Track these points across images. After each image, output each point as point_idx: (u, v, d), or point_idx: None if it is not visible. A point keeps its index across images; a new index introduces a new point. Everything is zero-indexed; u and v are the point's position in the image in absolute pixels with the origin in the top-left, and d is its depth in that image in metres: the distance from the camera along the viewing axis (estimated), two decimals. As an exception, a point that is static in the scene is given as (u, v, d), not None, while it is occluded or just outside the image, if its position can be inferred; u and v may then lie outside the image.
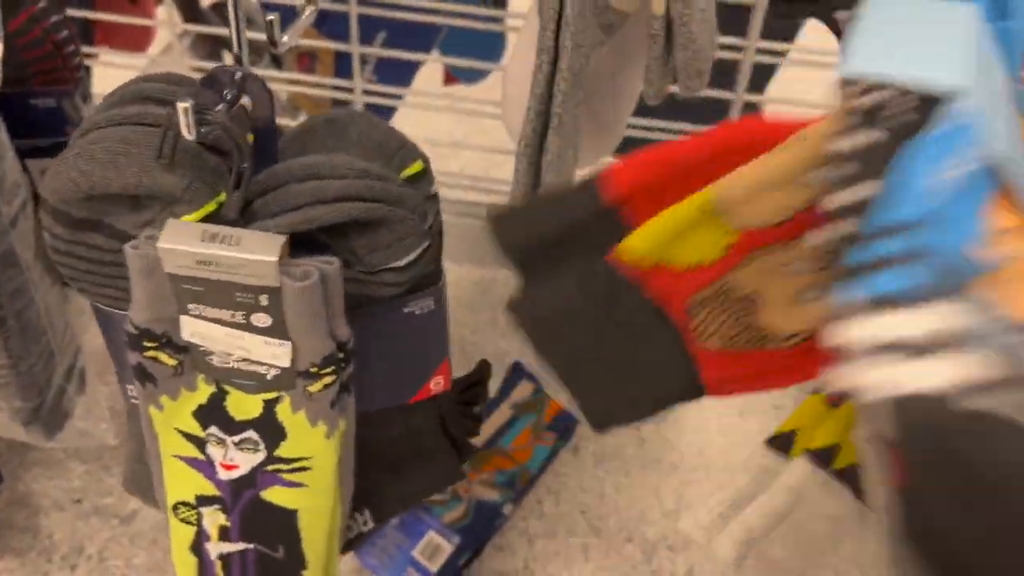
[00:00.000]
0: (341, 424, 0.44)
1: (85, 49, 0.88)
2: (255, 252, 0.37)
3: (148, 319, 0.40)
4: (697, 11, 0.46)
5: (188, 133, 0.36)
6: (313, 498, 0.46)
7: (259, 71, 0.93)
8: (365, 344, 0.44)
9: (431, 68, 1.09)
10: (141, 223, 0.40)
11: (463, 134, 1.29)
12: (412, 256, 0.40)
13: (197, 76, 0.42)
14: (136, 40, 0.96)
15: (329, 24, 0.81)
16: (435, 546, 0.79)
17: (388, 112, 0.87)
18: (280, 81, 0.91)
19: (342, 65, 0.82)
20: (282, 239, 0.37)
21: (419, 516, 0.80)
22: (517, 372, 0.95)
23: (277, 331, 0.39)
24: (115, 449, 0.84)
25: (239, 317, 0.39)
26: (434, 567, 0.77)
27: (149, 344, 0.41)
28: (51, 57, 0.54)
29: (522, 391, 0.93)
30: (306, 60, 0.84)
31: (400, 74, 0.83)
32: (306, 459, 0.44)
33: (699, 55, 0.47)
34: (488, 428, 0.89)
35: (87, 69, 0.96)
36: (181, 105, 0.36)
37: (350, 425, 0.45)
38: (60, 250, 0.42)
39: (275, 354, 0.40)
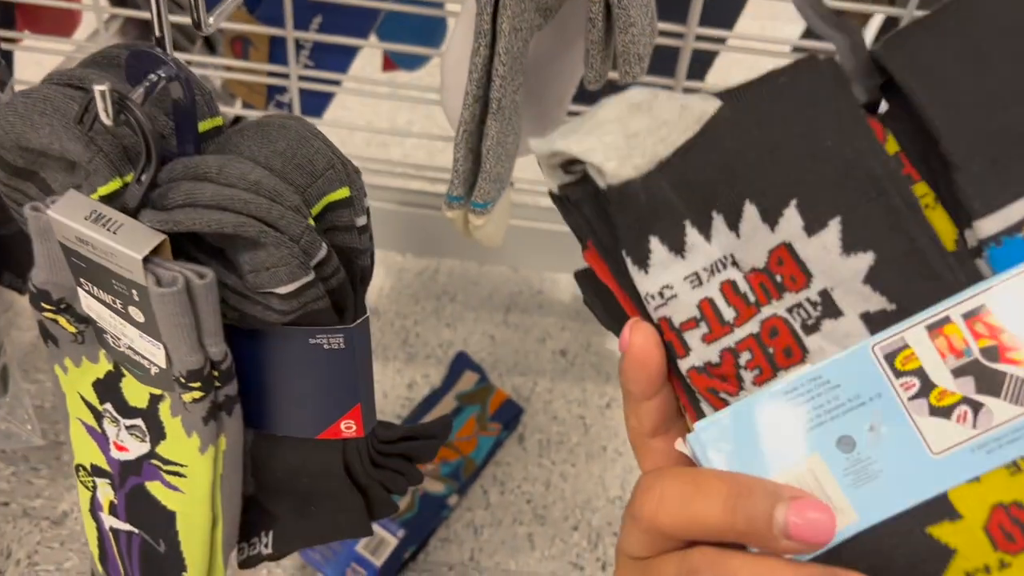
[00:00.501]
0: (221, 443, 0.42)
1: (4, 33, 0.84)
2: (126, 244, 0.35)
3: (45, 281, 0.39)
4: (634, -4, 0.46)
5: (106, 117, 0.34)
6: (189, 505, 0.44)
7: (192, 56, 0.90)
8: (268, 366, 0.42)
9: (370, 54, 1.07)
10: (69, 185, 0.39)
11: (405, 121, 1.27)
12: (292, 287, 0.38)
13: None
14: (61, 24, 0.93)
15: (263, 8, 0.78)
16: (379, 540, 0.77)
17: (325, 98, 0.85)
18: (213, 67, 0.88)
19: (277, 50, 0.80)
20: (158, 237, 0.36)
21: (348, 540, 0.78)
22: (461, 362, 0.94)
23: (150, 329, 0.38)
24: (42, 450, 0.81)
25: (119, 305, 0.38)
26: (379, 561, 0.76)
27: (47, 307, 0.40)
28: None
29: (466, 382, 0.92)
30: (240, 45, 0.82)
31: (337, 60, 0.81)
32: (182, 466, 0.43)
33: (638, 39, 0.47)
34: (432, 419, 0.88)
35: (7, 54, 0.92)
36: (98, 88, 0.34)
37: (232, 445, 0.43)
38: (2, 193, 0.42)
39: (151, 352, 0.39)
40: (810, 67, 0.27)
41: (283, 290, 0.38)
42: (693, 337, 0.27)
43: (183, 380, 0.39)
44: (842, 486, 0.25)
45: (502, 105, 0.48)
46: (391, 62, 0.99)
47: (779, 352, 0.27)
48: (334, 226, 0.41)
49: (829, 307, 0.26)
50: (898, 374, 0.26)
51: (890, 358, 0.26)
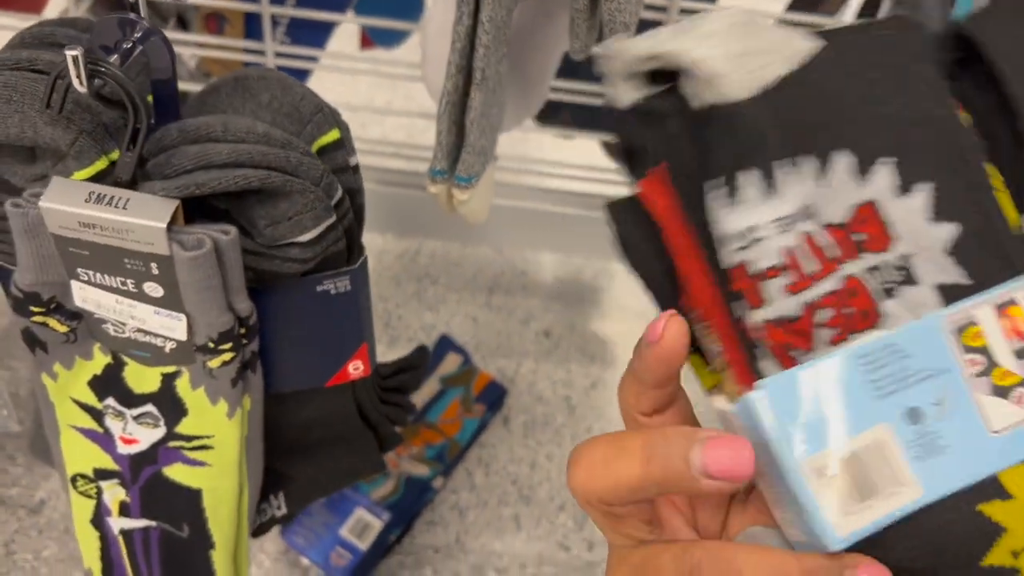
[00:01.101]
0: (245, 403, 0.41)
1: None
2: (143, 217, 0.34)
3: (34, 282, 0.37)
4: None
5: (79, 85, 0.33)
6: (217, 478, 0.43)
7: (173, 34, 0.88)
8: (275, 321, 0.41)
9: (348, 33, 1.05)
10: (33, 176, 0.37)
11: (385, 100, 1.26)
12: (316, 232, 0.37)
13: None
14: (30, 1, 0.90)
15: (237, -16, 0.76)
16: (364, 524, 0.77)
17: (303, 75, 0.84)
18: (187, 44, 0.86)
19: (252, 26, 0.78)
20: (173, 204, 0.35)
21: (346, 494, 0.77)
22: (445, 344, 0.93)
23: (171, 302, 0.37)
24: (19, 438, 0.80)
25: (130, 285, 0.37)
26: (364, 545, 0.75)
27: (36, 309, 0.38)
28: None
29: (449, 364, 0.91)
30: (214, 22, 0.80)
31: (314, 35, 0.80)
32: (208, 438, 0.42)
33: (624, 7, 0.46)
34: (416, 402, 0.87)
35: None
36: (70, 53, 0.32)
37: (256, 404, 0.42)
38: None
39: (169, 326, 0.38)
40: (908, 27, 0.26)
41: (306, 237, 0.38)
42: (774, 287, 0.25)
43: (212, 344, 0.38)
44: (908, 459, 0.24)
45: (486, 75, 0.47)
46: (369, 40, 0.97)
47: (857, 314, 0.26)
48: (330, 169, 0.40)
49: (908, 273, 0.26)
50: (966, 350, 0.25)
51: (959, 333, 0.25)
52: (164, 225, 0.34)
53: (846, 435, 0.24)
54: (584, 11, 0.47)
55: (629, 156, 0.28)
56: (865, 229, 0.26)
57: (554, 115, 0.89)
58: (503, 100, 0.53)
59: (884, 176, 0.25)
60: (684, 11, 0.73)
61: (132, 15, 0.35)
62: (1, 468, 0.79)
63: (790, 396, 0.24)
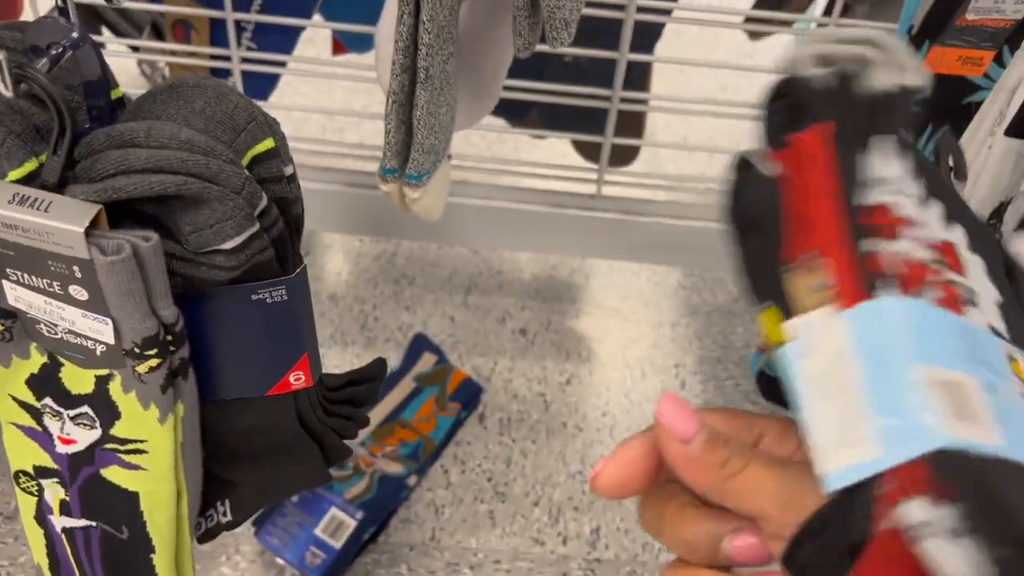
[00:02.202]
0: (178, 409, 0.42)
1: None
2: (62, 220, 0.34)
3: None
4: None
5: (4, 88, 0.34)
6: (153, 482, 0.43)
7: (137, 41, 0.89)
8: (212, 328, 0.42)
9: (321, 40, 1.06)
10: None
11: (361, 105, 1.26)
12: (239, 240, 0.37)
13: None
14: (7, 6, 0.91)
15: (204, -10, 0.77)
16: (338, 522, 0.77)
17: (271, 80, 0.85)
18: (154, 52, 0.87)
19: (218, 33, 0.79)
20: (95, 208, 0.35)
21: (320, 493, 0.78)
22: (419, 344, 0.94)
23: (95, 306, 0.37)
24: (-4, 443, 0.80)
25: (56, 287, 0.37)
26: (338, 543, 0.76)
27: None
28: None
29: (424, 363, 0.92)
30: (181, 29, 0.81)
31: (280, 41, 0.80)
32: (141, 442, 0.42)
33: (564, 4, 0.46)
34: (391, 401, 0.88)
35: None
36: (-6, 58, 0.33)
37: (190, 410, 0.43)
38: None
39: (97, 329, 0.38)
40: None
41: (230, 244, 0.38)
42: (905, 230, 0.28)
43: (138, 350, 0.38)
44: (990, 413, 0.26)
45: (430, 74, 0.48)
46: (341, 45, 0.98)
47: (949, 297, 0.29)
48: (263, 178, 0.40)
49: (973, 301, 0.29)
50: (1012, 372, 0.29)
51: (1009, 360, 0.29)
52: (82, 229, 0.34)
53: (939, 365, 0.26)
54: (524, 8, 0.47)
55: (788, 116, 0.31)
56: (947, 256, 0.29)
57: (522, 115, 0.90)
58: (453, 99, 0.53)
59: (960, 233, 0.30)
60: (642, 9, 0.74)
61: (62, 19, 0.36)
62: (-22, 475, 0.80)
63: (895, 318, 0.27)
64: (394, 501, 0.80)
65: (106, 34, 1.04)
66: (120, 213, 0.37)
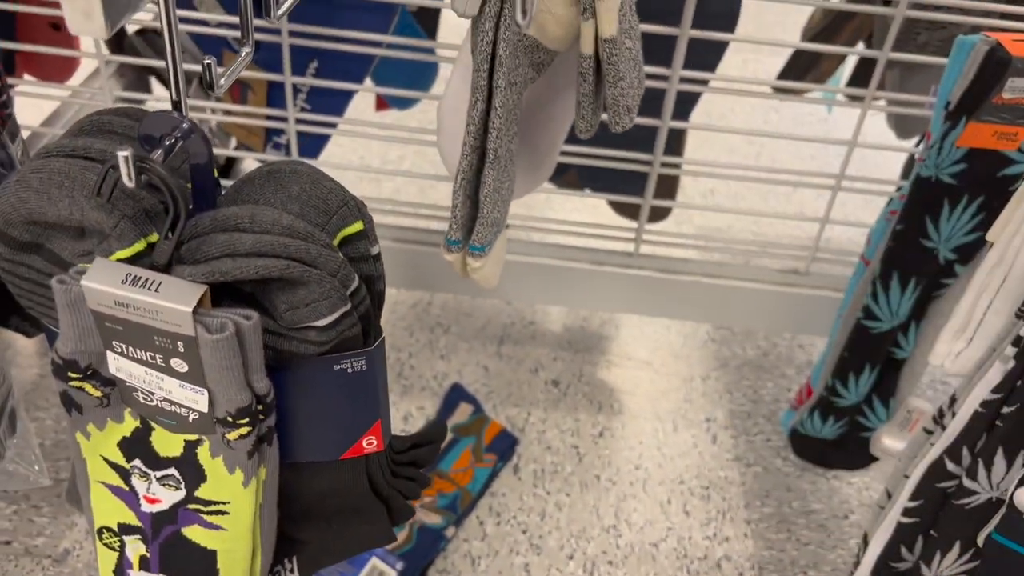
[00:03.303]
0: (261, 473, 0.44)
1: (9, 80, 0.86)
2: (172, 300, 0.37)
3: (73, 351, 0.41)
4: (624, 50, 0.48)
5: (128, 180, 0.36)
6: (232, 541, 0.46)
7: (191, 100, 0.92)
8: (294, 397, 0.44)
9: (364, 94, 1.09)
10: (80, 252, 0.41)
11: (397, 156, 1.30)
12: (332, 318, 0.40)
13: (145, 106, 0.43)
14: (60, 69, 0.95)
15: (261, 53, 0.81)
16: (379, 572, 0.79)
17: (322, 139, 0.88)
18: (212, 110, 0.90)
19: (275, 94, 0.82)
20: (201, 288, 0.38)
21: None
22: (456, 394, 0.96)
23: (194, 377, 0.40)
24: (43, 488, 0.82)
25: (159, 360, 0.40)
26: (378, 594, 0.77)
27: (73, 375, 0.42)
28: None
29: (461, 413, 0.94)
30: (238, 90, 0.84)
31: (333, 102, 0.84)
32: (224, 503, 0.44)
33: (627, 92, 0.49)
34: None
35: (10, 99, 0.94)
36: (121, 154, 0.36)
37: (271, 474, 0.45)
38: (4, 268, 0.43)
39: (193, 399, 0.41)
40: None
41: (323, 322, 0.40)
42: None
43: (231, 419, 0.41)
44: None
45: (498, 155, 0.51)
46: (383, 102, 1.01)
47: None
48: (351, 257, 0.43)
49: None
50: None
51: None
52: (190, 309, 0.37)
53: None
54: (589, 95, 0.50)
55: None
56: None
57: (561, 173, 0.93)
58: (513, 173, 0.56)
59: None
60: (684, 80, 0.77)
61: (176, 113, 0.39)
62: (27, 519, 0.82)
63: None
64: (432, 552, 0.82)
65: (155, 89, 1.08)
66: (220, 291, 0.40)
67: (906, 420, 0.80)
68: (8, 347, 0.96)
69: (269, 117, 0.83)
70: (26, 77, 0.93)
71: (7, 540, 0.80)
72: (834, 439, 0.86)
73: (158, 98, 1.04)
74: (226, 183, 0.46)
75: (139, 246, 0.40)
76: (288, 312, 0.40)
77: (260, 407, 0.42)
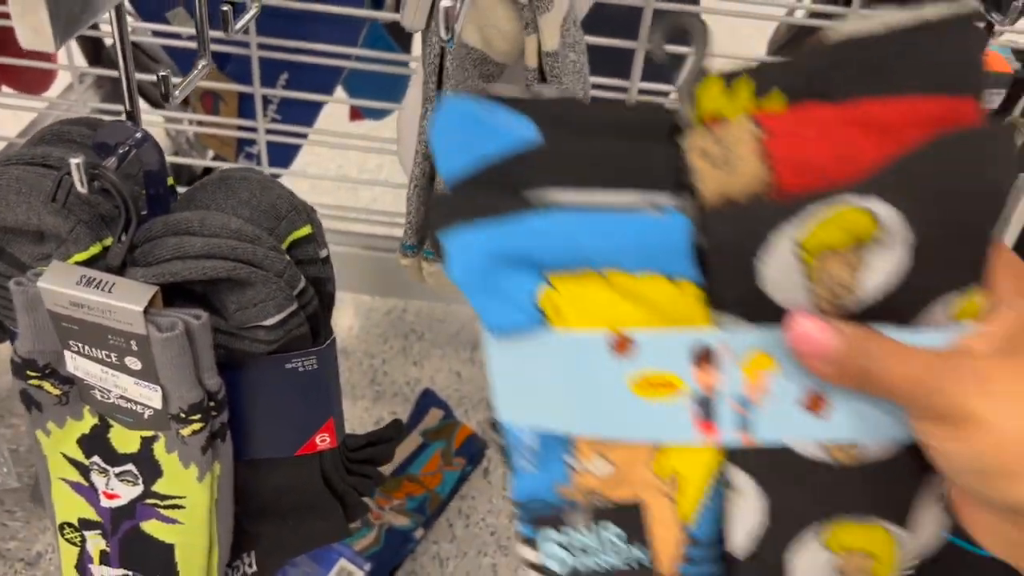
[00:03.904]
0: (215, 468, 0.46)
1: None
2: (124, 300, 0.39)
3: (31, 350, 0.43)
4: (568, 63, 0.50)
5: (80, 186, 0.38)
6: (188, 535, 0.47)
7: (167, 112, 0.94)
8: (247, 395, 0.46)
9: (338, 104, 1.11)
10: (39, 255, 0.43)
11: (375, 166, 1.32)
12: (279, 317, 0.42)
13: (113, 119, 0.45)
14: (36, 81, 0.96)
15: (233, 65, 0.83)
16: (347, 573, 0.80)
17: (293, 149, 0.90)
18: (188, 121, 0.92)
19: (246, 105, 0.84)
20: (152, 289, 0.40)
21: (329, 544, 0.81)
22: (427, 399, 0.97)
23: (147, 375, 0.42)
24: (17, 492, 0.83)
25: (113, 358, 0.42)
26: (346, 594, 0.79)
27: (32, 374, 0.44)
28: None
29: (432, 418, 0.95)
30: (210, 100, 0.86)
31: (304, 113, 0.85)
32: (180, 498, 0.46)
33: (574, 88, 0.51)
34: (398, 455, 0.91)
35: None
36: (73, 161, 0.38)
37: (226, 470, 0.47)
38: None
39: (147, 396, 0.42)
40: None
41: (270, 321, 0.42)
42: None
43: (183, 415, 0.43)
44: None
45: (449, 162, 0.53)
46: (358, 112, 1.03)
47: None
48: (300, 260, 0.45)
49: None
50: None
51: None
52: (141, 309, 0.39)
53: None
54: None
55: None
56: None
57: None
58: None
59: None
60: (643, 92, 0.79)
61: (130, 123, 0.41)
62: (0, 522, 0.83)
63: None
64: (400, 554, 0.83)
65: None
66: (172, 292, 0.42)
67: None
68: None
69: (240, 128, 0.85)
70: (3, 89, 0.95)
71: (-19, 543, 0.81)
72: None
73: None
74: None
75: (95, 249, 0.42)
76: (237, 312, 0.42)
77: (212, 403, 0.43)
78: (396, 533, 0.84)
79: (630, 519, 0.38)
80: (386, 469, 0.90)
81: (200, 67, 0.46)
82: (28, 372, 0.44)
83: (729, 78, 0.33)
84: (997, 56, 0.65)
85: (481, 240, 0.34)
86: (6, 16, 0.82)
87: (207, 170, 1.12)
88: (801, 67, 0.32)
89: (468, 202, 0.35)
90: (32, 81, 0.95)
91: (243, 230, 0.41)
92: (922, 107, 0.31)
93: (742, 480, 0.36)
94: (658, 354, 0.35)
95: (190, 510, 0.47)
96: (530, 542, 0.40)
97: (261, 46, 0.77)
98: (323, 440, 0.49)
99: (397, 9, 0.92)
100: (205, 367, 0.42)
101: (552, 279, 0.35)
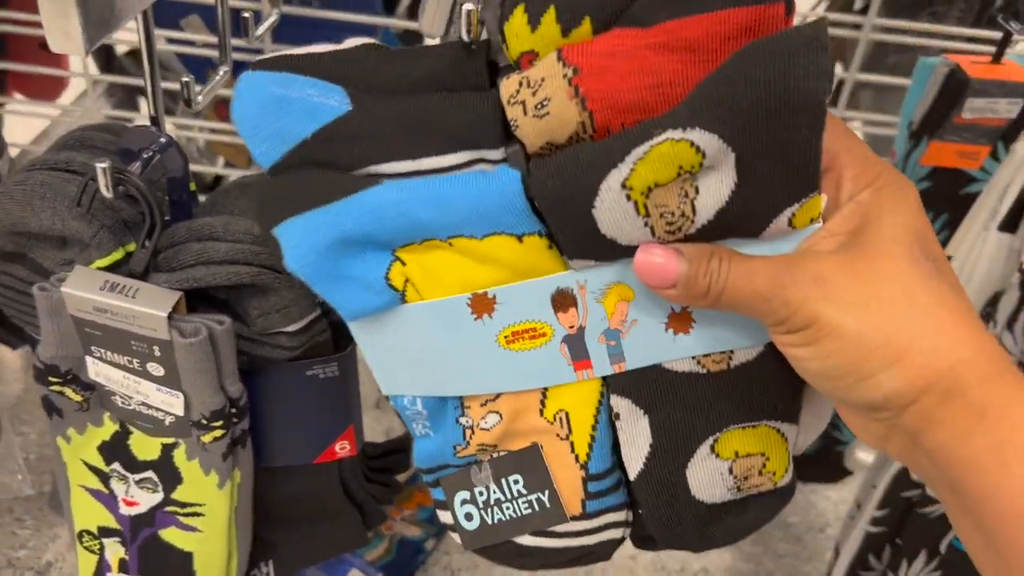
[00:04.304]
0: (235, 476, 0.45)
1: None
2: (148, 305, 0.39)
3: (54, 356, 0.42)
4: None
5: (106, 191, 0.38)
6: (207, 543, 0.47)
7: (178, 119, 0.94)
8: (267, 402, 0.46)
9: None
10: (62, 261, 0.42)
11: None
12: (302, 323, 0.42)
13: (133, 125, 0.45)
14: (49, 87, 0.97)
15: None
16: (359, 584, 0.80)
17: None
18: (199, 128, 0.92)
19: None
20: (176, 295, 0.39)
21: (341, 555, 0.80)
22: (438, 409, 0.97)
23: (170, 381, 0.41)
24: (28, 500, 0.83)
25: (136, 364, 0.41)
26: (358, 605, 0.78)
27: (54, 379, 0.43)
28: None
29: (443, 427, 0.95)
30: (225, 108, 0.86)
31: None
32: (200, 505, 0.46)
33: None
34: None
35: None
36: (100, 166, 0.37)
37: (246, 477, 0.46)
38: None
39: (169, 402, 0.42)
40: None
41: (293, 327, 0.42)
42: None
43: (205, 422, 0.42)
44: None
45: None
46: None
47: None
48: None
49: None
50: None
51: None
52: (165, 314, 0.39)
53: None
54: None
55: None
56: None
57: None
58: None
59: None
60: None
61: (154, 128, 0.41)
62: (10, 531, 0.82)
63: None
64: (412, 564, 0.83)
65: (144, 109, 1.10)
66: (196, 297, 0.41)
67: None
68: (-6, 361, 0.97)
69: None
70: (16, 96, 0.95)
71: (-10, 552, 0.81)
72: (810, 453, 0.87)
73: (146, 117, 1.05)
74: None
75: (117, 255, 0.41)
76: (260, 318, 0.41)
77: (234, 410, 0.43)
78: (408, 544, 0.83)
79: (531, 466, 0.39)
80: (400, 478, 0.89)
81: (221, 74, 0.46)
82: (50, 378, 0.43)
83: (535, 11, 0.31)
84: (1015, 66, 0.65)
85: (314, 228, 0.33)
86: (19, 23, 0.82)
87: (218, 178, 1.12)
88: None
89: (292, 191, 0.34)
90: (44, 88, 0.95)
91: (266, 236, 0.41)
92: (729, 19, 0.29)
93: (625, 407, 0.37)
94: (520, 306, 0.35)
95: (210, 518, 0.46)
96: (443, 504, 0.42)
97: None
98: (343, 448, 0.49)
99: (410, 16, 0.92)
100: (227, 373, 0.42)
101: (399, 254, 0.35)
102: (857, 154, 0.31)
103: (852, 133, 0.32)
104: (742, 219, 0.32)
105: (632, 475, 0.38)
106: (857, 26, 0.81)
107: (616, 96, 0.31)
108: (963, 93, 0.63)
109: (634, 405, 0.37)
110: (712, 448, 0.37)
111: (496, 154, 0.33)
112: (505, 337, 0.36)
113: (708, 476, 0.38)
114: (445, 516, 0.42)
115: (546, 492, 0.39)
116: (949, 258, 0.61)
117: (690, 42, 0.30)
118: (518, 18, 0.31)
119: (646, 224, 0.32)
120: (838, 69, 0.95)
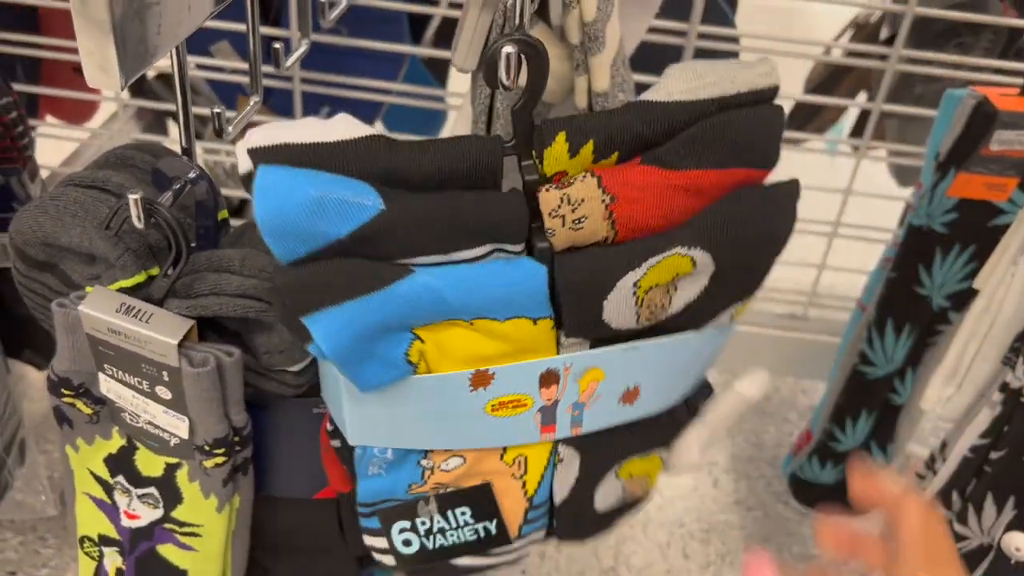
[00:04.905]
0: (235, 501, 0.46)
1: (32, 122, 0.89)
2: (160, 332, 0.39)
3: (68, 369, 0.43)
4: (617, 103, 0.50)
5: (137, 221, 0.38)
6: (203, 562, 0.48)
7: (206, 143, 0.95)
8: (273, 433, 0.46)
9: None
10: (90, 275, 0.43)
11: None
12: (304, 363, 0.43)
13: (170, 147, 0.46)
14: (81, 110, 0.98)
15: (275, 98, 0.84)
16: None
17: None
18: (226, 152, 0.93)
19: (286, 138, 0.85)
20: (188, 324, 0.40)
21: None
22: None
23: (177, 405, 0.42)
24: (50, 519, 0.84)
25: (145, 385, 0.42)
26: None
27: (66, 392, 0.44)
28: (0, 138, 0.56)
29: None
30: (251, 132, 0.87)
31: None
32: (198, 526, 0.46)
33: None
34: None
35: (32, 141, 0.97)
36: (132, 197, 0.38)
37: (245, 503, 0.47)
38: (20, 283, 0.46)
39: (175, 425, 0.43)
40: None
41: (296, 367, 0.42)
42: None
43: (207, 448, 0.43)
44: None
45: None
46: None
47: None
48: None
49: None
50: None
51: None
52: (176, 342, 0.39)
53: None
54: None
55: None
56: None
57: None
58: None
59: None
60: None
61: (186, 159, 0.41)
62: (33, 549, 0.83)
63: None
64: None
65: (172, 130, 1.11)
66: (208, 325, 0.42)
67: (904, 466, 0.80)
68: (20, 380, 0.98)
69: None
70: (48, 119, 0.97)
71: (12, 571, 0.81)
72: (834, 484, 0.86)
73: (175, 140, 1.07)
74: (237, 223, 0.49)
75: (139, 278, 0.42)
76: (266, 355, 0.42)
77: (237, 439, 0.43)
78: None
79: (480, 499, 0.46)
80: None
81: (252, 103, 0.46)
82: (63, 390, 0.44)
83: (575, 140, 0.38)
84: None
85: (351, 320, 0.36)
86: (54, 48, 0.84)
87: (243, 201, 1.13)
88: (638, 131, 0.38)
89: (322, 280, 0.36)
90: (75, 111, 0.97)
91: None
92: (736, 175, 0.39)
93: (569, 453, 0.46)
94: (513, 382, 0.41)
95: (206, 539, 0.47)
96: (377, 532, 0.47)
97: (304, 80, 0.77)
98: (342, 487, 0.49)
99: (435, 44, 0.93)
100: (233, 402, 0.42)
101: (418, 332, 0.39)
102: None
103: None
104: (701, 312, 0.42)
105: (558, 501, 0.48)
106: (884, 57, 0.80)
107: (638, 220, 0.39)
108: (991, 125, 0.63)
109: (574, 451, 0.46)
110: (616, 473, 0.48)
111: (516, 248, 0.38)
112: (492, 406, 0.42)
113: (609, 493, 0.49)
114: (375, 541, 0.47)
115: (494, 521, 0.47)
116: (976, 292, 0.60)
117: (702, 188, 0.39)
118: (559, 145, 0.38)
119: (637, 313, 0.40)
120: (861, 98, 0.95)
